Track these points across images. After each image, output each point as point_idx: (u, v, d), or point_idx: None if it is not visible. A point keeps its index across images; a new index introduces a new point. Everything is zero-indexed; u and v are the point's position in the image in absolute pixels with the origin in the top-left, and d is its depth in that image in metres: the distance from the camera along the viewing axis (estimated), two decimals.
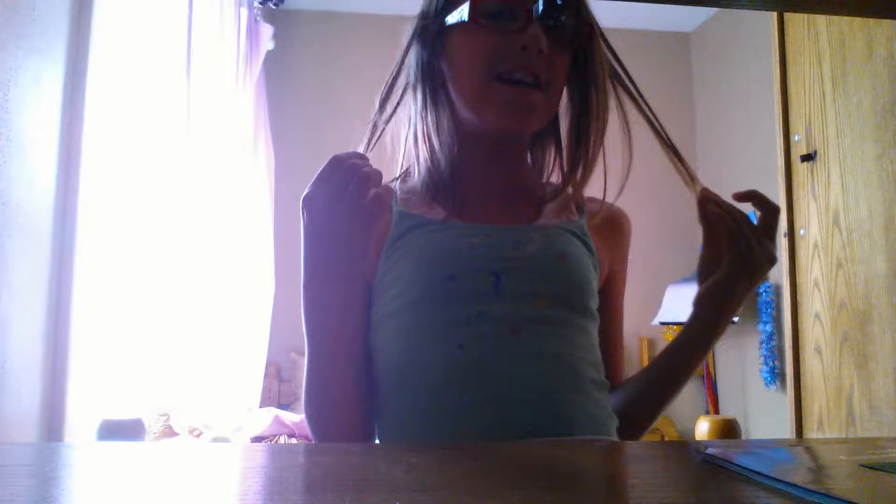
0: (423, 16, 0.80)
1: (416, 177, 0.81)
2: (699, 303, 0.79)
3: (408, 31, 0.81)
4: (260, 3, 3.02)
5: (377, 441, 0.76)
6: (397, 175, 0.84)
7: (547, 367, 0.70)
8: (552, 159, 0.86)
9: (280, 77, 3.43)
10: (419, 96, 0.79)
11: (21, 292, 1.44)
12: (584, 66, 0.78)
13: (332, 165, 0.67)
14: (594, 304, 0.78)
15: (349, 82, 3.57)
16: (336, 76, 3.56)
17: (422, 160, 0.80)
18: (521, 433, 0.67)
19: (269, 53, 3.11)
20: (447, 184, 0.78)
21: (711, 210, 0.76)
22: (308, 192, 0.68)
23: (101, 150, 1.73)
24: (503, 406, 0.68)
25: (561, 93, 0.78)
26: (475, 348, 0.69)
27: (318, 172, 0.68)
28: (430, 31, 0.78)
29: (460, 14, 0.74)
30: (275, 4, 3.07)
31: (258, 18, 3.02)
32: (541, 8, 0.71)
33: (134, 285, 2.00)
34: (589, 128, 0.78)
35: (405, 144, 0.82)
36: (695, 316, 0.79)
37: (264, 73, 3.16)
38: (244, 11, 2.88)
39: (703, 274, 0.79)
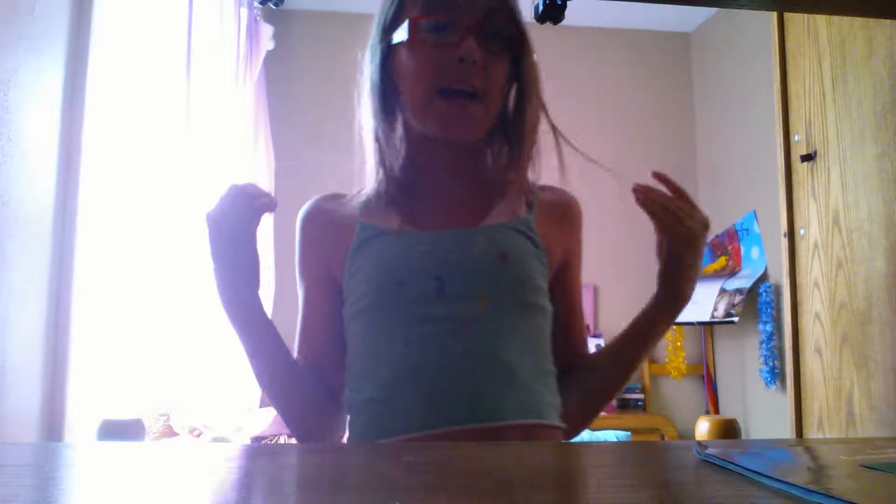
0: (374, 35, 0.87)
1: (376, 187, 0.87)
2: (658, 280, 0.88)
3: (362, 54, 0.89)
4: (260, 3, 3.00)
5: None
6: (360, 188, 0.91)
7: (481, 362, 0.78)
8: (506, 154, 0.91)
9: (280, 77, 3.43)
10: (371, 111, 0.87)
11: (21, 292, 1.44)
12: (518, 70, 0.85)
13: (227, 190, 0.80)
14: (541, 296, 0.85)
15: (349, 82, 3.57)
16: (336, 76, 3.56)
17: (377, 172, 0.87)
18: (456, 423, 0.76)
19: (269, 53, 3.11)
20: (400, 194, 0.86)
21: (640, 199, 0.82)
22: (208, 210, 0.80)
23: (101, 150, 1.73)
24: (440, 399, 0.77)
25: (500, 97, 0.85)
26: (418, 348, 0.79)
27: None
28: (381, 48, 0.85)
29: (402, 32, 0.81)
30: (275, 4, 3.05)
31: (258, 18, 3.02)
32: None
33: (134, 285, 2.00)
34: (523, 126, 0.86)
35: (364, 157, 0.89)
36: (657, 291, 0.88)
37: (264, 73, 3.16)
38: (244, 11, 2.87)
39: (658, 252, 0.87)
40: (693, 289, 0.86)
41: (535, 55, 0.86)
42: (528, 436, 0.79)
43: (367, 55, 0.88)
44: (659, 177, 0.84)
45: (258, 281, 0.82)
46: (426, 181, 0.88)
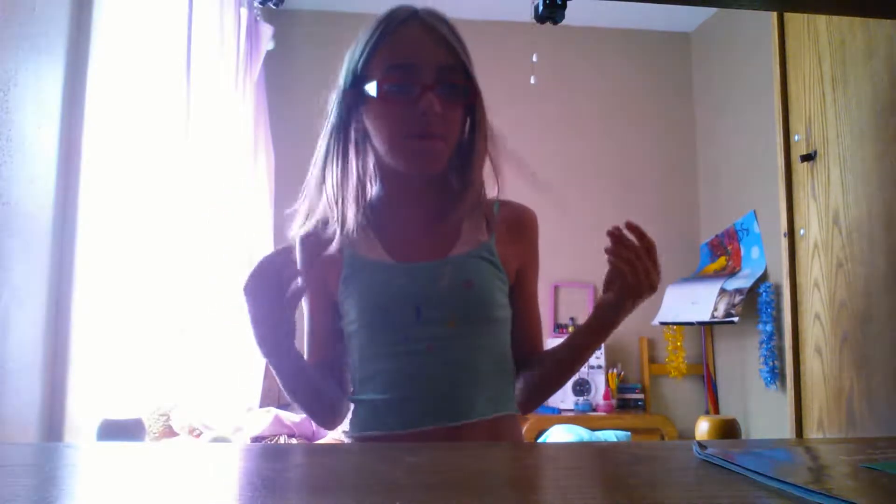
0: (344, 81, 1.00)
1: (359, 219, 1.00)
2: (597, 308, 1.00)
3: (328, 96, 1.02)
4: (260, 3, 3.02)
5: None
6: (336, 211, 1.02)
7: (451, 372, 0.96)
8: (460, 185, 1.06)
9: (280, 77, 3.43)
10: (341, 148, 0.99)
11: (21, 292, 1.44)
12: (472, 116, 1.00)
13: (257, 264, 0.87)
14: (501, 310, 1.02)
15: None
16: (336, 76, 3.55)
17: (353, 203, 1.00)
18: (431, 421, 0.94)
19: (269, 53, 3.11)
20: (378, 224, 1.01)
21: (611, 249, 0.94)
22: (244, 285, 0.87)
23: (101, 150, 1.73)
24: (421, 403, 0.95)
25: (456, 135, 0.99)
26: (400, 362, 0.96)
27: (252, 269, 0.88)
28: (351, 96, 0.98)
29: (371, 90, 0.94)
30: (275, 4, 3.07)
31: (258, 18, 3.02)
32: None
33: (134, 285, 2.00)
34: (472, 160, 1.00)
35: (334, 191, 1.00)
36: (594, 316, 1.00)
37: (264, 73, 3.16)
38: (244, 11, 2.88)
39: (606, 286, 0.97)
40: (618, 324, 0.99)
41: (484, 102, 1.01)
42: (494, 426, 0.97)
43: (338, 99, 1.00)
44: (632, 228, 0.93)
45: (293, 332, 0.92)
46: (398, 212, 1.03)
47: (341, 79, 1.00)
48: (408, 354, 0.96)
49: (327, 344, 1.05)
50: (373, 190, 1.04)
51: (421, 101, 0.92)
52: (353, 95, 0.98)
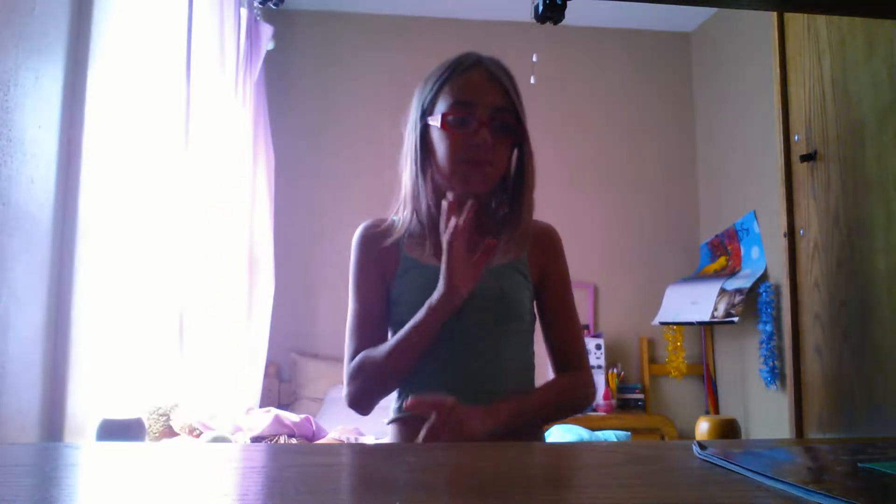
0: (414, 113, 1.19)
1: (410, 223, 1.18)
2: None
3: (404, 123, 1.21)
4: (260, 3, 3.02)
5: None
6: (399, 217, 1.21)
7: (481, 364, 1.12)
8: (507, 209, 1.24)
9: (280, 77, 3.43)
10: (410, 169, 1.17)
11: (21, 292, 1.44)
12: (520, 151, 1.19)
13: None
14: (528, 316, 1.19)
15: (349, 82, 3.58)
16: (336, 76, 3.56)
17: (412, 212, 1.17)
18: (466, 402, 1.05)
19: (269, 53, 3.11)
20: (431, 232, 1.16)
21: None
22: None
23: (101, 150, 1.73)
24: (454, 390, 1.06)
25: (504, 164, 1.16)
26: (440, 355, 1.11)
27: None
28: (419, 126, 1.17)
29: (437, 121, 1.13)
30: (275, 4, 3.07)
31: (258, 18, 3.02)
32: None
33: (134, 285, 2.00)
34: (523, 190, 1.19)
35: (402, 201, 1.20)
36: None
37: (264, 73, 3.16)
38: (244, 11, 2.88)
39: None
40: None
41: (531, 143, 1.18)
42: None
43: (409, 128, 1.19)
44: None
45: None
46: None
47: (414, 109, 1.19)
48: (447, 346, 1.10)
49: (382, 328, 1.19)
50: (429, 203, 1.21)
51: (477, 133, 1.10)
52: (422, 123, 1.16)
